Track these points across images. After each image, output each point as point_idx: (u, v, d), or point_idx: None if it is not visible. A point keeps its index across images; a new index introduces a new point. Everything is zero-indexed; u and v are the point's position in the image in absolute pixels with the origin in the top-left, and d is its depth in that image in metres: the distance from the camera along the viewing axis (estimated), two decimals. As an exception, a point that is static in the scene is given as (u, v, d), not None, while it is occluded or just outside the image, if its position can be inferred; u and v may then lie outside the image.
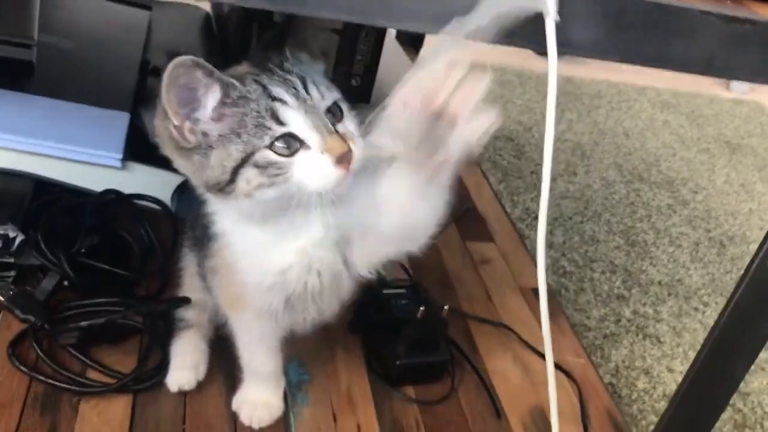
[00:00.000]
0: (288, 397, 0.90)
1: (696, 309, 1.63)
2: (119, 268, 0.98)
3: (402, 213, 0.64)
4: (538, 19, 0.55)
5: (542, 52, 0.56)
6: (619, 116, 2.49)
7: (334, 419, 0.89)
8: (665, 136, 2.44)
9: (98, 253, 0.98)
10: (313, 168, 0.64)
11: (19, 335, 0.89)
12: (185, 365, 0.89)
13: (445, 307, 0.94)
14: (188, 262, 0.94)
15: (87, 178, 1.05)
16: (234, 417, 0.86)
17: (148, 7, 1.37)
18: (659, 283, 1.69)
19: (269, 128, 0.63)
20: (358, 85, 1.40)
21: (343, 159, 0.64)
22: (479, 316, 1.11)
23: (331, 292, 0.76)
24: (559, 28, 0.55)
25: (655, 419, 1.32)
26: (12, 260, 0.94)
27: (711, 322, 0.75)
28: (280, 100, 0.64)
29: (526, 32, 0.55)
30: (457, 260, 1.24)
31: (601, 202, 1.95)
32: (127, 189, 1.07)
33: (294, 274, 0.72)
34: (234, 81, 0.64)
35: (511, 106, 2.37)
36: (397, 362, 0.93)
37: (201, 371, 0.89)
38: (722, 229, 1.97)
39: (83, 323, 0.86)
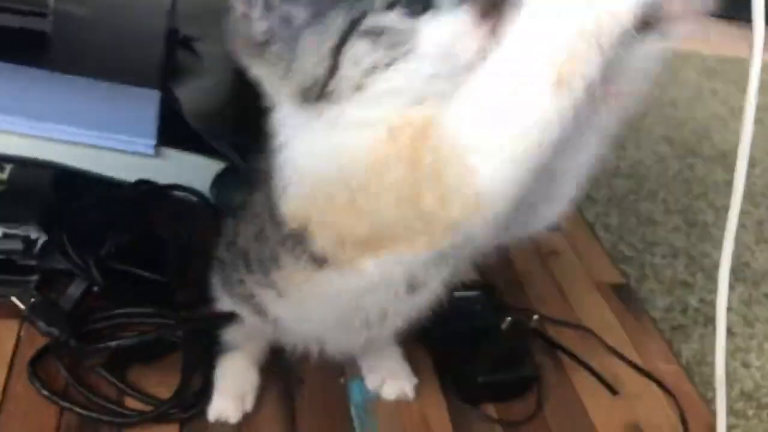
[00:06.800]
0: (354, 421, 0.78)
1: (767, 296, 1.51)
2: (154, 270, 0.86)
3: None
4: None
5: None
6: (664, 85, 2.34)
7: (409, 445, 0.78)
8: (715, 106, 2.30)
9: (130, 254, 0.86)
10: (450, 34, 0.48)
11: (41, 351, 0.76)
12: (230, 393, 0.76)
13: (535, 317, 0.82)
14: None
15: (115, 167, 0.92)
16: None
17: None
18: (724, 267, 1.57)
19: None
20: None
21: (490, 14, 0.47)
22: (557, 318, 0.99)
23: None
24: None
25: (734, 421, 1.21)
26: (34, 263, 0.82)
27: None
28: None
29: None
30: (524, 253, 1.12)
31: (655, 180, 1.82)
32: (161, 178, 0.94)
33: None
34: None
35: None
36: (479, 379, 0.81)
37: (249, 401, 0.76)
38: (786, 206, 1.84)
39: (112, 343, 0.74)
